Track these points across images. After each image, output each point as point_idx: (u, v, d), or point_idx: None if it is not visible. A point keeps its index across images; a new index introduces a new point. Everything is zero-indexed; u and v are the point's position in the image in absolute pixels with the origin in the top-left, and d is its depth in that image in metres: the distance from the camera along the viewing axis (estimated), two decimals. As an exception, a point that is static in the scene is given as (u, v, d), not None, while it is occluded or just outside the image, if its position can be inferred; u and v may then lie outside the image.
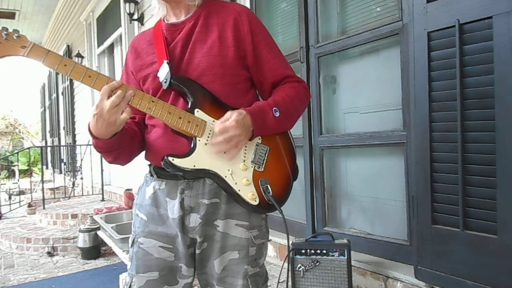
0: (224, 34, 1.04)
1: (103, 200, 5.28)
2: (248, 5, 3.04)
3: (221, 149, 0.98)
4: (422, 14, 1.61)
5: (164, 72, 1.01)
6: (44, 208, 4.84)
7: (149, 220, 1.08)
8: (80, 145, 6.63)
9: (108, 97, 0.92)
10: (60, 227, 4.31)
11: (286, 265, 1.12)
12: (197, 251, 1.07)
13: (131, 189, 4.20)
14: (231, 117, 0.96)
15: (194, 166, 0.98)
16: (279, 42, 2.77)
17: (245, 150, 1.03)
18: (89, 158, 5.91)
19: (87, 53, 6.45)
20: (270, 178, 1.04)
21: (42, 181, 5.67)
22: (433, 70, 1.58)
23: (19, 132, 17.29)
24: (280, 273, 2.04)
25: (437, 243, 1.59)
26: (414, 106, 1.67)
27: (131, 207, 3.66)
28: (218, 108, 1.01)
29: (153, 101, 0.97)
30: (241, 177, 1.01)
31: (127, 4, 4.41)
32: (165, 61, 1.02)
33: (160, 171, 1.08)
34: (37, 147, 11.88)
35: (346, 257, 1.74)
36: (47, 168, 10.64)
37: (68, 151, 8.01)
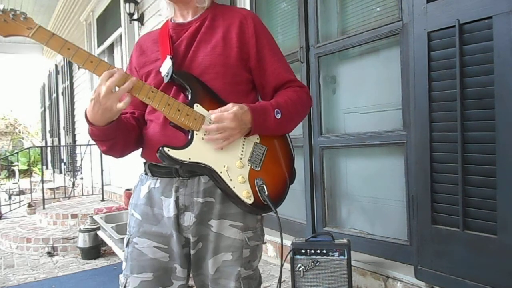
0: (229, 35, 1.06)
1: (103, 200, 5.27)
2: (248, 5, 3.04)
3: (212, 137, 0.97)
4: (422, 14, 1.61)
5: (166, 66, 1.02)
6: (44, 208, 4.84)
7: (143, 220, 1.07)
8: (80, 145, 6.64)
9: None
10: (60, 227, 4.30)
11: (281, 263, 1.10)
12: (192, 252, 1.06)
13: (131, 189, 4.20)
14: (231, 108, 0.97)
15: (189, 158, 0.97)
16: (279, 42, 2.76)
17: (243, 148, 1.02)
18: (89, 158, 5.91)
19: (87, 53, 6.43)
20: (266, 178, 1.03)
21: (42, 181, 5.67)
22: (433, 70, 1.58)
23: (19, 132, 17.29)
24: (280, 273, 2.04)
25: (437, 243, 1.59)
26: (414, 106, 1.67)
27: (131, 207, 3.64)
28: (218, 105, 1.01)
29: (152, 92, 0.97)
30: (236, 174, 1.00)
31: (127, 4, 4.41)
32: (168, 56, 1.03)
33: (155, 168, 1.08)
34: (37, 147, 11.87)
35: (346, 257, 1.74)
36: (47, 168, 10.64)
37: (68, 151, 8.01)
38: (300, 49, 2.51)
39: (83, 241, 3.55)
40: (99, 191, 5.44)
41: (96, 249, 3.60)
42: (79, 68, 6.90)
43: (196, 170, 1.01)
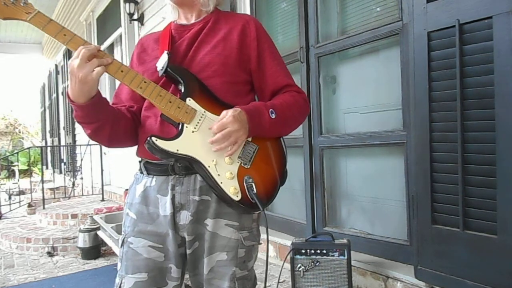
0: (230, 36, 1.08)
1: (103, 200, 5.27)
2: (248, 5, 3.04)
3: (221, 146, 0.97)
4: (422, 14, 1.61)
5: (162, 61, 1.03)
6: (44, 208, 4.84)
7: (138, 219, 1.07)
8: (80, 145, 6.63)
9: None
10: (60, 227, 4.30)
11: (266, 262, 1.09)
12: (188, 251, 1.06)
13: (131, 189, 4.19)
14: (227, 113, 0.97)
15: (177, 150, 0.97)
16: (279, 42, 2.77)
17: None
18: (89, 158, 5.90)
19: (87, 53, 6.44)
20: (255, 176, 1.02)
21: (42, 181, 5.67)
22: (433, 70, 1.58)
23: (19, 132, 17.28)
24: (280, 273, 2.04)
25: (437, 243, 1.59)
26: (414, 106, 1.67)
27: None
28: (211, 101, 1.02)
29: (145, 82, 0.98)
30: (225, 170, 1.00)
31: (127, 4, 4.41)
32: (165, 51, 1.05)
33: (151, 166, 1.08)
34: (37, 147, 11.87)
35: (346, 257, 1.74)
36: (47, 168, 10.64)
37: (68, 151, 8.01)
38: (300, 49, 2.51)
39: (83, 241, 3.55)
40: (99, 191, 5.44)
41: (96, 249, 3.60)
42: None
43: (186, 164, 1.01)
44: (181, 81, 1.01)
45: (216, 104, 1.03)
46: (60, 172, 8.45)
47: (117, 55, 5.83)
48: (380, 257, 2.05)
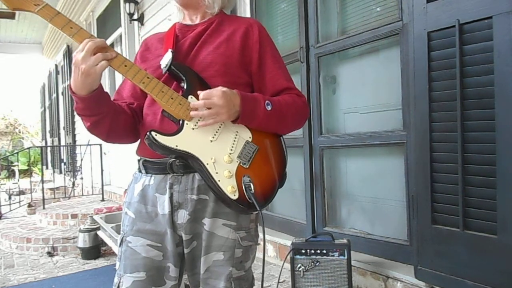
0: (233, 38, 1.09)
1: (103, 200, 5.27)
2: (248, 5, 3.04)
3: (198, 113, 0.97)
4: (422, 14, 1.61)
5: (166, 59, 1.04)
6: (44, 208, 4.84)
7: (137, 218, 1.07)
8: (80, 145, 6.63)
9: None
10: (60, 227, 4.30)
11: (263, 261, 1.09)
12: (186, 250, 1.06)
13: (131, 189, 4.19)
14: (220, 88, 0.98)
15: (176, 146, 0.97)
16: (279, 42, 2.77)
17: (234, 143, 1.02)
18: (89, 158, 5.90)
19: (87, 53, 6.43)
20: (254, 177, 1.02)
21: (42, 181, 5.67)
22: (433, 70, 1.58)
23: (19, 132, 17.28)
24: (280, 273, 2.04)
25: (437, 243, 1.59)
26: (414, 106, 1.67)
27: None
28: None
29: (148, 77, 0.98)
30: (223, 168, 1.00)
31: (127, 4, 4.42)
32: (169, 50, 1.05)
33: (149, 165, 1.08)
34: (37, 147, 11.86)
35: (346, 257, 1.74)
36: (47, 168, 10.63)
37: (68, 151, 8.01)
38: (300, 49, 2.51)
39: (83, 241, 3.55)
40: (99, 191, 5.44)
41: (96, 249, 3.59)
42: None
43: (184, 161, 1.01)
44: (184, 79, 1.02)
45: None
46: (60, 172, 8.44)
47: (117, 55, 5.82)
48: (380, 257, 2.05)
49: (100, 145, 5.39)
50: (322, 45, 2.40)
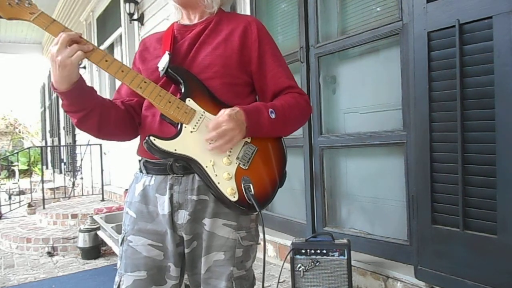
0: (231, 38, 1.08)
1: (103, 200, 5.27)
2: (248, 5, 3.04)
3: (216, 145, 0.97)
4: (422, 14, 1.61)
5: (164, 61, 1.04)
6: (44, 208, 4.84)
7: (138, 218, 1.07)
8: (80, 145, 6.63)
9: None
10: (60, 227, 4.30)
11: (263, 261, 1.09)
12: (187, 250, 1.06)
13: (131, 189, 4.19)
14: (224, 112, 0.97)
15: (175, 150, 0.97)
16: (279, 42, 2.77)
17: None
18: (89, 158, 5.90)
19: (87, 53, 6.44)
20: (253, 178, 1.02)
21: (42, 181, 5.67)
22: (433, 70, 1.58)
23: (19, 132, 17.28)
24: (280, 273, 2.04)
25: (437, 243, 1.59)
26: (414, 106, 1.67)
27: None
28: (211, 102, 1.02)
29: (145, 82, 0.98)
30: (222, 170, 1.00)
31: (127, 4, 4.42)
32: (166, 52, 1.05)
33: (150, 165, 1.08)
34: (37, 147, 11.86)
35: (346, 257, 1.74)
36: (47, 168, 10.64)
37: (68, 151, 8.01)
38: (300, 49, 2.51)
39: (83, 241, 3.55)
40: (99, 191, 5.44)
41: (96, 249, 3.59)
42: (79, 68, 6.88)
43: (183, 163, 1.01)
44: (181, 82, 1.01)
45: (216, 105, 1.02)
46: (60, 172, 8.45)
47: (117, 55, 5.83)
48: (380, 257, 2.05)
49: (100, 145, 5.39)
50: (322, 45, 2.40)
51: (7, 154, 12.51)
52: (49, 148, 10.40)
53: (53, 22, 0.96)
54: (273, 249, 2.62)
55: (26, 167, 11.23)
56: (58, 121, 9.13)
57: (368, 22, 2.18)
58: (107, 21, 5.69)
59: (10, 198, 6.15)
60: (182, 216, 1.03)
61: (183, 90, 1.01)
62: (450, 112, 1.53)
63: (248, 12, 3.03)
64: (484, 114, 1.44)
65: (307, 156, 2.50)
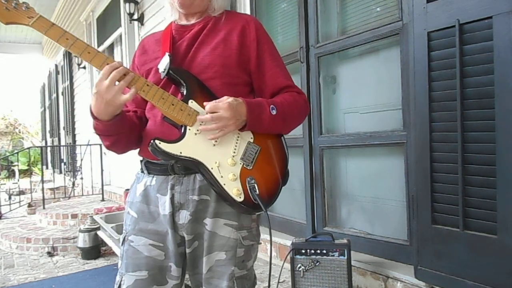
0: (230, 38, 1.08)
1: (103, 200, 5.27)
2: (248, 5, 3.04)
3: (207, 127, 0.97)
4: (422, 14, 1.61)
5: (164, 63, 1.04)
6: (44, 208, 4.84)
7: (139, 218, 1.08)
8: (80, 145, 6.63)
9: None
10: (60, 227, 4.30)
11: (269, 261, 1.09)
12: (188, 250, 1.06)
13: (131, 189, 4.19)
14: (226, 99, 0.97)
15: (181, 153, 0.97)
16: (279, 42, 2.77)
17: (236, 146, 1.02)
18: (89, 158, 5.91)
19: (87, 53, 6.43)
20: (258, 177, 1.03)
21: (42, 181, 5.67)
22: (433, 70, 1.58)
23: (19, 132, 17.27)
24: (280, 273, 2.04)
25: (437, 243, 1.59)
26: (414, 106, 1.67)
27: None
28: None
29: (147, 85, 0.98)
30: (228, 171, 1.00)
31: (127, 4, 4.41)
32: (166, 53, 1.05)
33: (151, 166, 1.08)
34: (37, 147, 11.86)
35: (346, 257, 1.74)
36: (47, 168, 10.63)
37: (68, 151, 8.01)
38: (300, 49, 2.51)
39: (83, 241, 3.55)
40: (99, 191, 5.44)
41: (96, 249, 3.60)
42: (79, 68, 6.90)
43: (188, 165, 1.01)
44: (183, 84, 1.01)
45: None
46: (60, 172, 8.44)
47: (117, 55, 5.83)
48: (380, 257, 2.05)
49: (100, 145, 5.38)
50: (322, 45, 2.40)
51: (7, 154, 12.51)
52: (49, 148, 10.39)
53: (52, 26, 0.96)
54: (273, 249, 2.62)
55: (26, 167, 11.22)
56: (58, 121, 9.13)
57: (368, 22, 2.18)
58: (107, 21, 5.69)
59: (10, 198, 6.15)
60: (183, 216, 1.03)
61: (185, 92, 1.01)
62: (450, 112, 1.53)
63: (248, 12, 3.03)
64: (484, 114, 1.44)
65: (307, 156, 2.50)
